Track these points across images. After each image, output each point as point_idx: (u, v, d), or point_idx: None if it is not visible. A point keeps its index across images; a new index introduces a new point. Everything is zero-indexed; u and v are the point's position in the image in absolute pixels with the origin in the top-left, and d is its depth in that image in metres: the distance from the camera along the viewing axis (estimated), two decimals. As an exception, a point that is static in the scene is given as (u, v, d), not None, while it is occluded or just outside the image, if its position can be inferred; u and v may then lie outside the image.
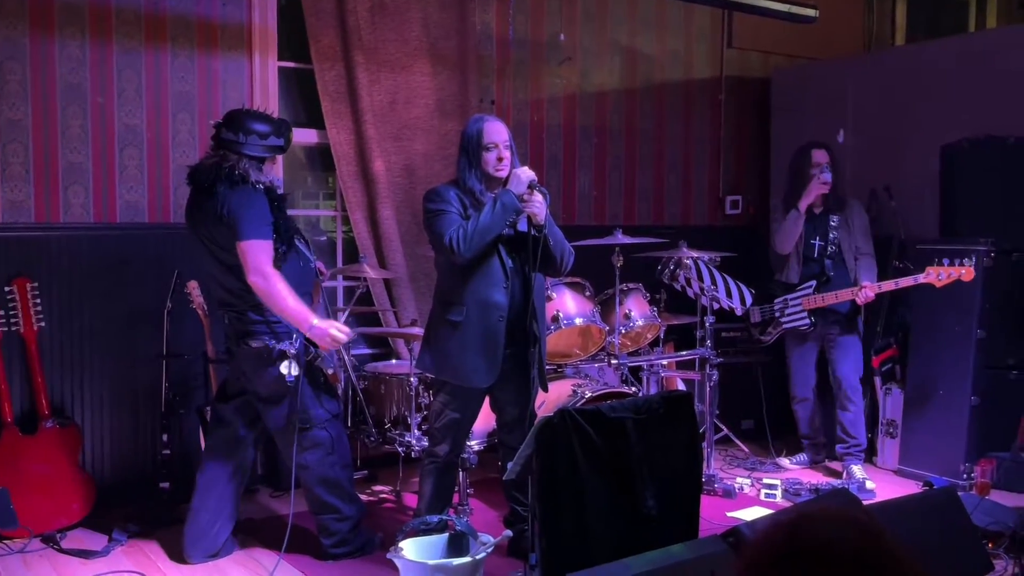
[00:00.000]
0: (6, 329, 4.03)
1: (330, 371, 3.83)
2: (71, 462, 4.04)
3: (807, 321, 4.73)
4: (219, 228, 3.43)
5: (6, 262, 4.11)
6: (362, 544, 3.76)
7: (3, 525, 3.74)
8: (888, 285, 4.53)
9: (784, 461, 5.04)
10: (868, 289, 4.52)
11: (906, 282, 4.47)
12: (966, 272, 4.34)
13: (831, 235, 4.72)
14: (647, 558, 2.52)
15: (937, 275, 4.37)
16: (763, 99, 6.36)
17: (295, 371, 3.43)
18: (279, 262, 3.44)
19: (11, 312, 4.04)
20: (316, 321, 3.40)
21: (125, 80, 4.37)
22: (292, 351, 3.44)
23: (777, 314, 4.84)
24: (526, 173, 3.32)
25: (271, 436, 3.75)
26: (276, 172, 3.72)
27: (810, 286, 4.72)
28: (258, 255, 3.36)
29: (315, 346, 3.50)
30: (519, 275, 3.42)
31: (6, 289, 4.05)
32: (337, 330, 3.43)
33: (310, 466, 3.63)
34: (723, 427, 5.16)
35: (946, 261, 4.38)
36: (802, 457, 5.04)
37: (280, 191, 3.67)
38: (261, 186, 3.46)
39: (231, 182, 3.41)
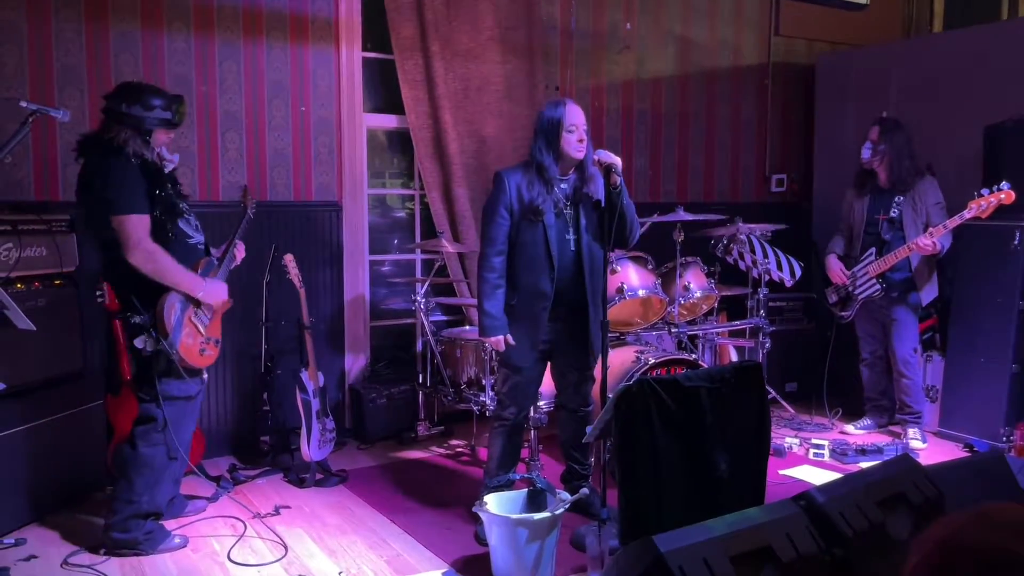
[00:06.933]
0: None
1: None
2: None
3: (878, 287, 4.62)
4: (90, 198, 3.13)
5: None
6: (141, 540, 3.26)
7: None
8: (939, 230, 4.36)
9: (849, 428, 4.96)
10: (922, 238, 4.37)
11: (954, 222, 4.30)
12: (1006, 196, 4.16)
13: (893, 211, 4.58)
14: (726, 521, 2.51)
15: (979, 207, 4.21)
16: (808, 84, 6.26)
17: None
18: (164, 238, 3.17)
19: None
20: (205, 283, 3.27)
21: (225, 70, 4.42)
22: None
23: (851, 288, 4.75)
24: (606, 162, 3.29)
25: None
26: (166, 145, 3.31)
27: (871, 253, 4.64)
28: (136, 229, 3.07)
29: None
30: (573, 252, 3.44)
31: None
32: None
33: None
34: (770, 390, 5.13)
35: (985, 192, 4.21)
36: (867, 422, 4.98)
37: (171, 166, 3.35)
38: (136, 160, 3.13)
39: (106, 152, 3.13)
